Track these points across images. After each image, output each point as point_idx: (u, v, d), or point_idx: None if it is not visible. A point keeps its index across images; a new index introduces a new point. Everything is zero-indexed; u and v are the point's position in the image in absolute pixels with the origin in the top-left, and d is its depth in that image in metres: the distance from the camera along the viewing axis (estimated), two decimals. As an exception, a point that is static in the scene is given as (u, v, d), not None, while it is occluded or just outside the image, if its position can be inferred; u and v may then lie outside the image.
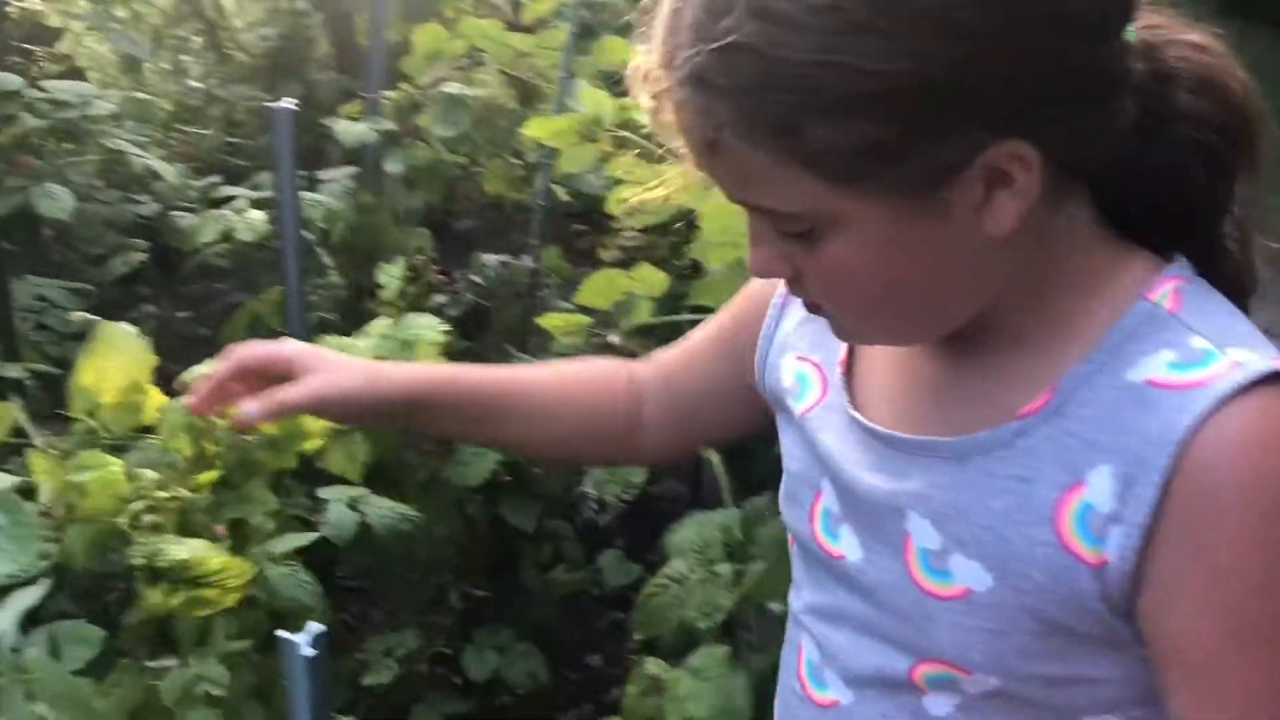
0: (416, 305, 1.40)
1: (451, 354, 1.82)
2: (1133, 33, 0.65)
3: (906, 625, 0.74)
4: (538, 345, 1.65)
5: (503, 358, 1.75)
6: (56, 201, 1.51)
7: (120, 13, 2.66)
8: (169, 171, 1.67)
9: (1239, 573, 0.64)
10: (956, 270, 0.67)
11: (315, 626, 0.82)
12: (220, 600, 0.94)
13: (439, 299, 1.73)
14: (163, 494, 1.01)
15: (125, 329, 1.02)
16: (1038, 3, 0.60)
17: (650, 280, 1.34)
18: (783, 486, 0.84)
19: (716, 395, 0.93)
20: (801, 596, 0.84)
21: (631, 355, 1.69)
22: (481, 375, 0.95)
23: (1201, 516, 0.63)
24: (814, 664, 0.81)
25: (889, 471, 0.74)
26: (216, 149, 2.23)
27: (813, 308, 0.72)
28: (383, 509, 1.47)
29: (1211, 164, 0.68)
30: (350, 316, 1.55)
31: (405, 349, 1.16)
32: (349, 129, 1.66)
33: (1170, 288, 0.67)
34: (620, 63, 0.72)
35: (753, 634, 1.22)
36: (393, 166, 1.68)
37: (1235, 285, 0.70)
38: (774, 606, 1.14)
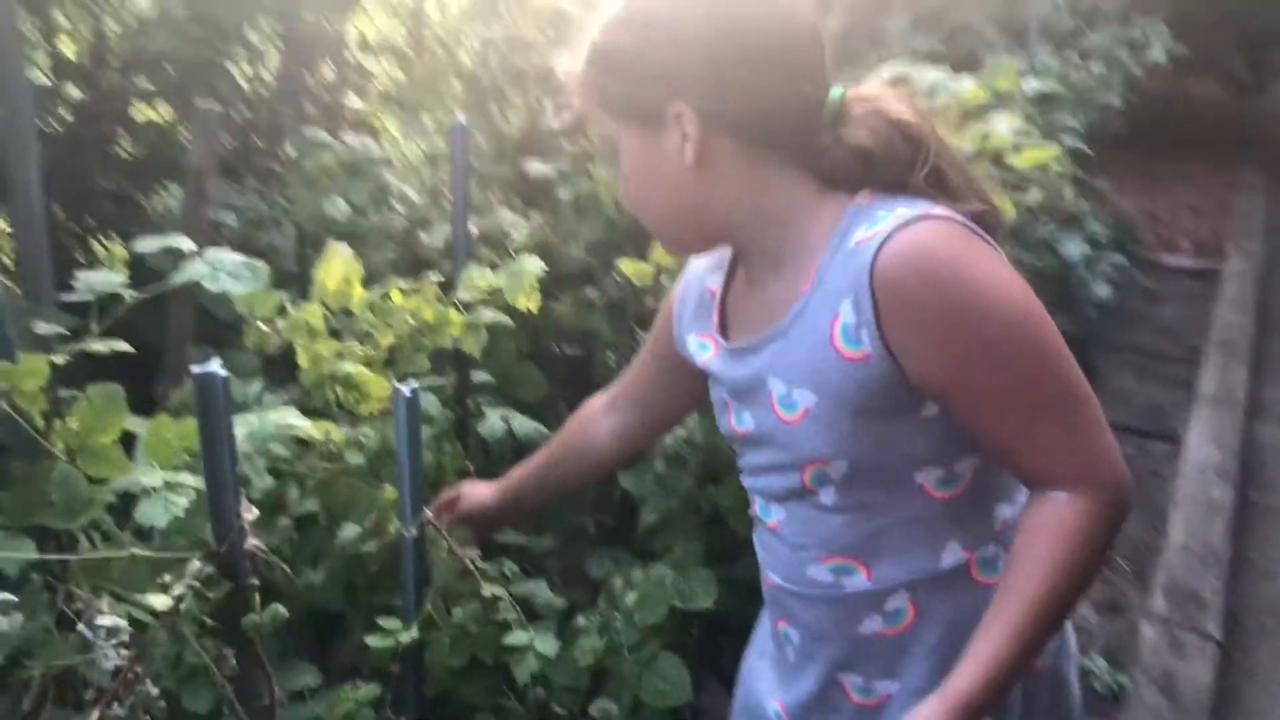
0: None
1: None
2: (839, 94, 1.09)
3: (787, 449, 1.14)
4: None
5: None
6: (338, 208, 2.23)
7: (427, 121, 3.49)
8: (416, 198, 2.37)
9: (936, 326, 0.99)
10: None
11: (412, 382, 1.38)
12: (366, 402, 1.53)
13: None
14: (358, 348, 1.62)
15: (344, 247, 1.65)
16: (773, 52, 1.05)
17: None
18: (716, 414, 1.28)
19: (670, 377, 1.39)
20: (742, 470, 1.26)
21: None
22: (534, 462, 1.54)
23: (902, 304, 1.00)
24: (762, 504, 1.24)
25: (750, 364, 1.16)
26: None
27: None
28: (525, 424, 2.03)
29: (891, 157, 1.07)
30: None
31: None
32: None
33: (866, 194, 1.08)
34: None
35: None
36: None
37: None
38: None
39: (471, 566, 1.46)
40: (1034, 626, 0.99)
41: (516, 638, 1.41)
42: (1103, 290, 3.20)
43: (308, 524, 1.54)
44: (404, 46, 3.71)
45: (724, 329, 1.23)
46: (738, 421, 1.21)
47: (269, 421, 1.22)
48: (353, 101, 3.24)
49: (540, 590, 1.68)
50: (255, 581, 1.07)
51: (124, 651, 0.99)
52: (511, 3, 3.41)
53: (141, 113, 2.97)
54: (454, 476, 1.83)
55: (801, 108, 1.08)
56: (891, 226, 1.01)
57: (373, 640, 1.37)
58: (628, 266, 1.95)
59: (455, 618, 1.42)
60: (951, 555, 1.14)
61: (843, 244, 1.06)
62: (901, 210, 1.03)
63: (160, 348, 2.12)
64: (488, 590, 1.43)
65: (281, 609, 1.09)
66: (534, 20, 3.29)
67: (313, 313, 1.53)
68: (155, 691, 1.01)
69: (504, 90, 3.23)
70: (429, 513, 1.44)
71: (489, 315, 1.74)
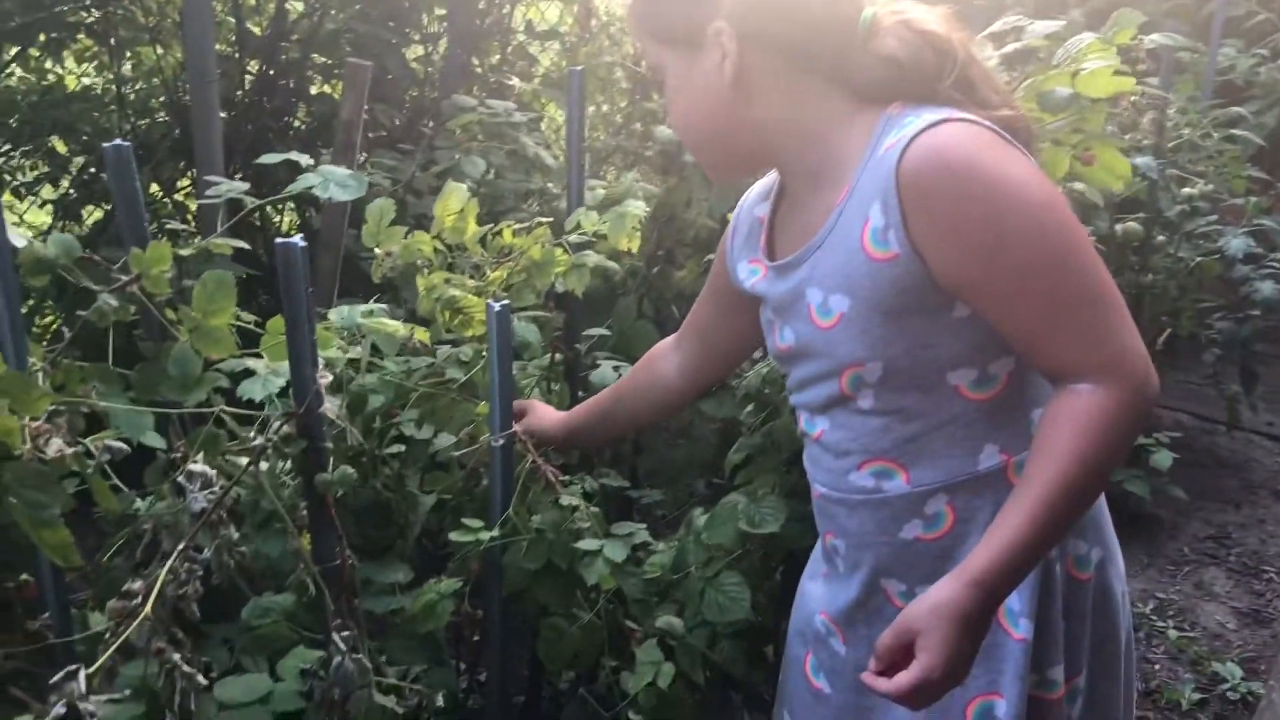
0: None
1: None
2: (871, 12, 1.12)
3: (825, 357, 1.19)
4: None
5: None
6: (475, 167, 2.36)
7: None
8: (550, 161, 2.49)
9: (957, 221, 1.03)
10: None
11: (502, 301, 1.47)
12: (469, 323, 1.64)
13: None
14: (469, 281, 1.73)
15: (460, 186, 1.76)
16: None
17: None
18: (765, 338, 1.34)
19: (729, 314, 1.45)
20: (789, 389, 1.31)
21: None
22: (602, 396, 1.64)
23: (924, 200, 1.05)
24: (807, 417, 1.30)
25: (792, 278, 1.21)
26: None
27: None
28: (637, 375, 2.10)
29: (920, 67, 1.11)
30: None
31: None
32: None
33: (897, 105, 1.12)
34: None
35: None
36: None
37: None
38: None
39: (553, 479, 1.55)
40: (1051, 512, 1.01)
41: (588, 544, 1.48)
42: (1267, 288, 3.04)
43: (414, 443, 1.66)
44: (570, 34, 3.87)
45: (771, 251, 1.28)
46: (780, 338, 1.26)
47: (357, 312, 1.33)
48: (516, 84, 3.40)
49: (638, 531, 1.75)
50: (329, 444, 1.18)
51: (210, 496, 1.12)
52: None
53: (317, 87, 3.21)
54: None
55: (836, 25, 1.12)
56: (916, 129, 1.05)
57: (456, 535, 1.47)
58: (734, 218, 2.00)
59: (534, 523, 1.50)
60: (989, 458, 1.15)
61: (874, 153, 1.10)
62: (927, 115, 1.07)
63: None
64: (566, 500, 1.51)
65: (350, 470, 1.19)
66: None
67: (424, 240, 1.65)
68: (236, 535, 1.13)
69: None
70: (517, 427, 1.54)
71: (594, 258, 1.82)
